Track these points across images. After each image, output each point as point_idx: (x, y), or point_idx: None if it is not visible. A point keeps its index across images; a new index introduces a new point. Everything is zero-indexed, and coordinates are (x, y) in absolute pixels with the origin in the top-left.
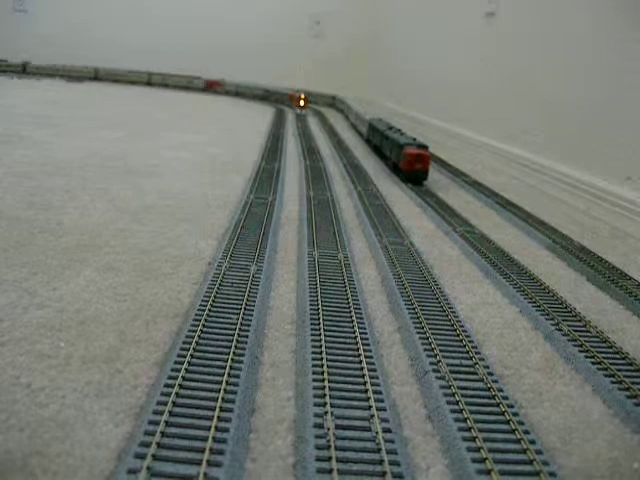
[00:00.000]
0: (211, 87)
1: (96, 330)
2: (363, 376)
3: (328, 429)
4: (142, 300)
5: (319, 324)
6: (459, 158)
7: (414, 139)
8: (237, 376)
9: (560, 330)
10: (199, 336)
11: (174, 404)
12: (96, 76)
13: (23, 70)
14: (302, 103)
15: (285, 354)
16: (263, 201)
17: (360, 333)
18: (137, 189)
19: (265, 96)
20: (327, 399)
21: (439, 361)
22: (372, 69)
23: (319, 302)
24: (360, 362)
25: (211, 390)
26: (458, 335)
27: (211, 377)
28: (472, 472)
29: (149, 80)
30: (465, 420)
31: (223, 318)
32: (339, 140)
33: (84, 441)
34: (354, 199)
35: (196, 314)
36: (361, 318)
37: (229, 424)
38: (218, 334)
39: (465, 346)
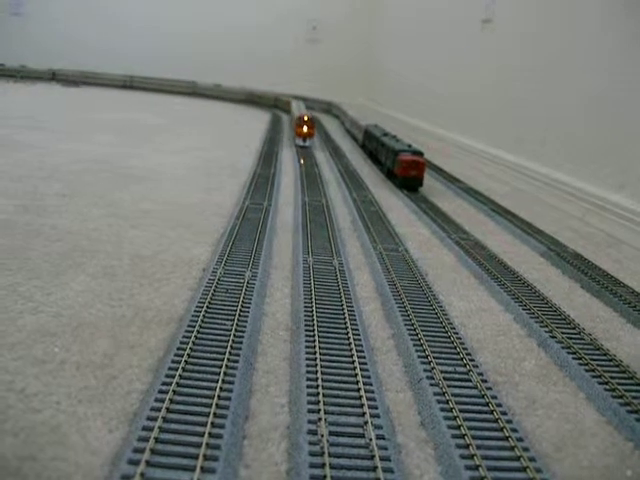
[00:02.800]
0: None
1: (91, 335)
2: (357, 382)
3: (322, 436)
4: (137, 305)
5: (313, 331)
6: (455, 165)
7: (409, 145)
8: (231, 382)
9: (554, 337)
10: (193, 342)
11: (168, 410)
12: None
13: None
14: (305, 129)
15: (279, 360)
16: (258, 207)
17: (354, 340)
18: (132, 194)
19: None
20: (321, 406)
21: (433, 368)
22: (369, 76)
23: (313, 308)
24: (354, 369)
25: (205, 396)
26: (452, 342)
27: (205, 383)
28: (466, 479)
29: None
30: (459, 427)
31: (217, 324)
32: (334, 146)
33: (78, 447)
34: (349, 205)
35: (190, 320)
36: (355, 325)
37: (223, 430)
38: (212, 340)
39: (459, 353)
